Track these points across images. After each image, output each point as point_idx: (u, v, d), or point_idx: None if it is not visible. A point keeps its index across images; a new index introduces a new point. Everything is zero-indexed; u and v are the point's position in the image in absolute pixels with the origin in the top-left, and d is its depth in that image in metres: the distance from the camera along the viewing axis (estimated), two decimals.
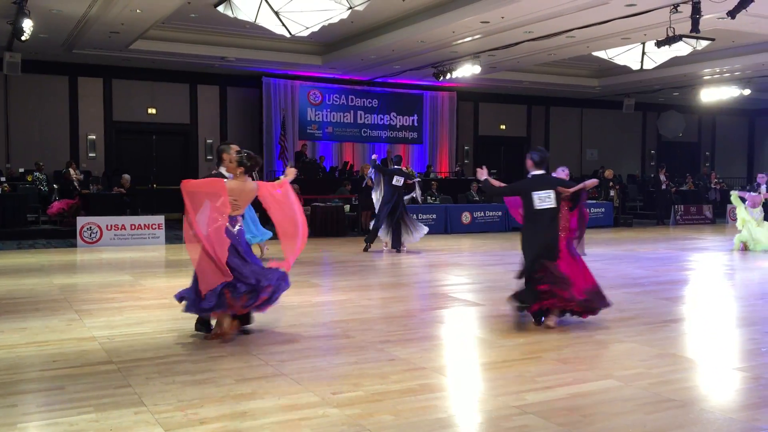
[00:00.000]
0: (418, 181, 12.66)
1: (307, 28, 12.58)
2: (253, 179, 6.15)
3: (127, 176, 16.12)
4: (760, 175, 13.42)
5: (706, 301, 8.07)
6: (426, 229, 12.72)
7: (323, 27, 12.84)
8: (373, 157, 13.59)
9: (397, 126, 22.17)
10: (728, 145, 29.21)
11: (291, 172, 6.38)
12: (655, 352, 5.49)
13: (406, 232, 12.50)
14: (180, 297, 5.92)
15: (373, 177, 12.86)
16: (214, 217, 5.74)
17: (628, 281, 9.25)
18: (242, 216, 6.06)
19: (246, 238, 8.22)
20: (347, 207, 16.85)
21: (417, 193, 12.51)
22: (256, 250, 9.67)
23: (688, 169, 26.71)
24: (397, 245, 12.49)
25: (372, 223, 12.76)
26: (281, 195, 6.07)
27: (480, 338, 6.07)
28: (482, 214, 17.41)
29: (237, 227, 5.90)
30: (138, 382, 4.65)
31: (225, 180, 5.99)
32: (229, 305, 5.73)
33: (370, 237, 12.70)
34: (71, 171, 16.33)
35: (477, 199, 18.32)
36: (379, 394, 4.41)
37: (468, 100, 23.60)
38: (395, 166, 12.70)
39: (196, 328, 6.03)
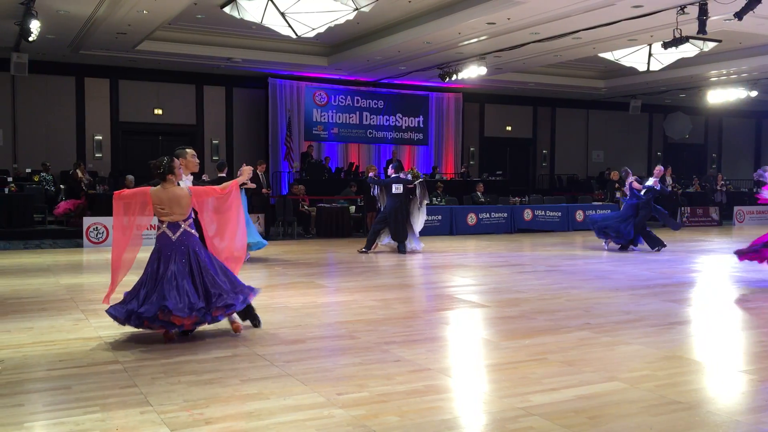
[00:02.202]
0: (420, 182, 12.62)
1: (313, 29, 12.60)
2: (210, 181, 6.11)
3: (130, 177, 16.12)
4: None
5: (713, 303, 8.04)
6: (420, 246, 12.72)
7: (329, 28, 12.86)
8: (370, 174, 13.46)
9: (403, 127, 22.17)
10: (735, 147, 29.12)
11: (246, 171, 6.32)
12: (662, 354, 5.47)
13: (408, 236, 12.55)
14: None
15: (375, 193, 12.90)
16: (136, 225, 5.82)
17: (635, 283, 9.22)
18: (188, 221, 5.87)
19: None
20: (352, 208, 16.86)
21: (418, 193, 12.50)
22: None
23: (695, 170, 26.66)
24: (402, 248, 12.51)
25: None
26: (218, 202, 5.93)
27: (485, 340, 6.07)
28: (488, 215, 17.39)
29: (177, 234, 5.80)
30: (144, 382, 4.66)
31: (150, 188, 5.87)
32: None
33: (369, 242, 12.70)
34: (79, 171, 16.38)
35: (482, 200, 18.30)
36: (384, 395, 4.41)
37: (474, 101, 23.59)
38: (394, 175, 12.65)
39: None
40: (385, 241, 12.85)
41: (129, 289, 5.91)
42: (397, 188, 12.37)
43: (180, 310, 5.53)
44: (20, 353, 5.40)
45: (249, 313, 6.25)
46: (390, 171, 12.84)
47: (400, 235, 12.51)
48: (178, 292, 5.61)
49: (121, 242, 5.91)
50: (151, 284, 5.73)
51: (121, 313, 5.71)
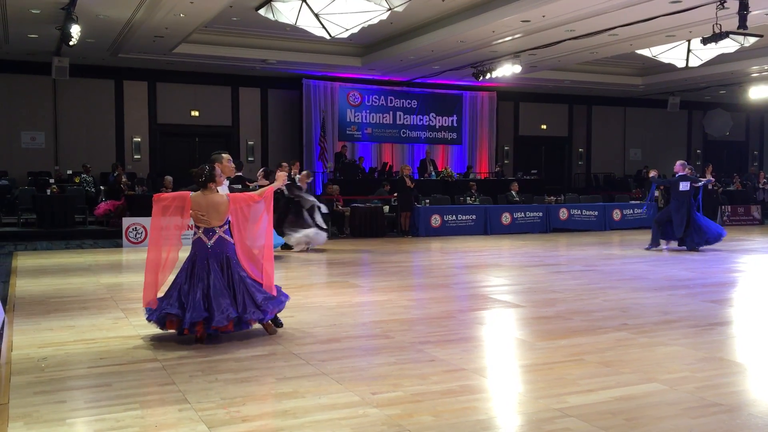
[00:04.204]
0: (288, 184, 12.42)
1: (347, 29, 12.64)
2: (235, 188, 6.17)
3: (169, 178, 16.38)
4: None
5: (755, 304, 7.87)
6: (315, 240, 12.62)
7: (363, 28, 12.88)
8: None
9: (437, 126, 22.12)
10: None
11: (281, 177, 6.33)
12: (701, 356, 5.37)
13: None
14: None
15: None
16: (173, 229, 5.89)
17: (674, 283, 9.07)
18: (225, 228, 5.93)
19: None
20: (386, 207, 16.88)
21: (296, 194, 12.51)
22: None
23: (736, 168, 26.08)
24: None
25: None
26: (254, 208, 5.97)
27: (520, 340, 6.02)
28: (522, 215, 17.25)
29: (212, 240, 5.87)
30: (182, 379, 4.73)
31: (190, 193, 5.94)
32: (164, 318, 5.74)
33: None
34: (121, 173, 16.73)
35: (517, 199, 18.17)
36: (419, 394, 4.41)
37: (508, 99, 23.42)
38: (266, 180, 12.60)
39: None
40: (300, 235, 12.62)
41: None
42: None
43: (218, 321, 5.62)
44: (62, 351, 5.53)
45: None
46: (259, 176, 12.56)
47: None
48: (217, 302, 5.67)
49: (158, 243, 6.01)
50: (185, 288, 5.78)
51: (153, 315, 5.82)
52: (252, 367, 5.03)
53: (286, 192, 12.32)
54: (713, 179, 14.70)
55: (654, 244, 13.00)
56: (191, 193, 5.92)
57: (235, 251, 5.94)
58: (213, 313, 5.63)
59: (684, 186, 12.82)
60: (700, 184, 13.11)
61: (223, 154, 6.37)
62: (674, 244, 13.06)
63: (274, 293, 6.05)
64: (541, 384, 4.67)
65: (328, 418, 4.00)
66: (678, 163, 13.40)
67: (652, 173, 14.41)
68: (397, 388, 4.54)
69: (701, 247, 12.80)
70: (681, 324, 6.52)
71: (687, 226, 12.71)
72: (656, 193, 18.90)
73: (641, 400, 4.32)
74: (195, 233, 5.97)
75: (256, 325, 6.09)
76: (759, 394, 4.57)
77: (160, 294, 5.95)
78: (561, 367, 5.03)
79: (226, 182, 6.41)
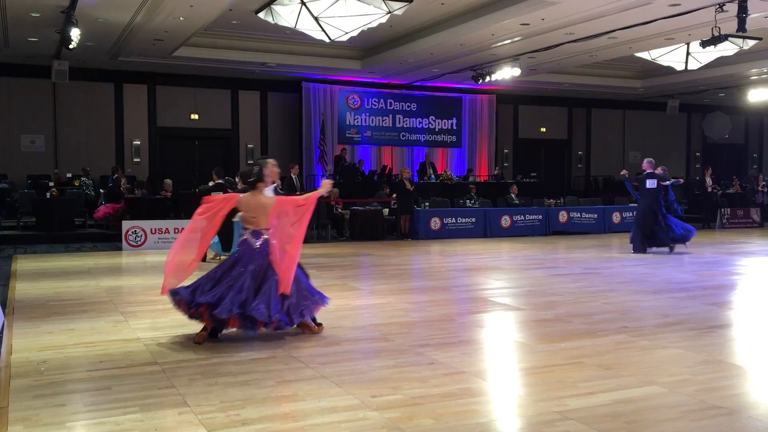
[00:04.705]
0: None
1: (347, 33, 12.66)
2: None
3: (169, 181, 16.40)
4: None
5: (755, 307, 7.87)
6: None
7: (362, 32, 12.91)
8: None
9: (436, 129, 22.13)
10: None
11: (327, 184, 6.40)
12: (701, 359, 5.37)
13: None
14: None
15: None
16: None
17: (673, 286, 9.07)
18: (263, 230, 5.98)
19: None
20: (386, 210, 16.88)
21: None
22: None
23: (735, 171, 26.09)
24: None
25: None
26: (293, 214, 6.01)
27: (520, 343, 6.02)
28: (522, 217, 17.27)
29: (259, 242, 5.91)
30: (182, 383, 4.72)
31: (239, 195, 6.06)
32: (183, 304, 5.81)
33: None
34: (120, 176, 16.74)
35: (516, 202, 18.18)
36: (418, 397, 4.41)
37: (507, 102, 23.44)
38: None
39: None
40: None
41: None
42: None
43: (265, 317, 5.66)
44: (62, 354, 5.52)
45: None
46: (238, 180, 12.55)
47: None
48: (263, 300, 5.72)
49: (185, 244, 6.06)
50: (225, 283, 5.77)
51: (186, 295, 5.80)
52: (252, 370, 5.03)
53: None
54: (681, 180, 14.88)
55: (638, 249, 12.98)
56: (240, 195, 6.04)
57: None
58: (223, 301, 5.63)
59: (651, 183, 12.88)
60: (667, 183, 13.16)
61: (269, 159, 6.43)
62: (664, 249, 13.01)
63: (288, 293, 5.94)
64: (540, 387, 4.66)
65: (328, 421, 4.00)
66: (645, 160, 13.51)
67: (623, 171, 14.48)
68: (396, 391, 4.54)
69: (670, 245, 12.83)
70: (681, 327, 6.52)
71: (654, 223, 12.77)
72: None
73: (641, 403, 4.32)
74: (242, 234, 6.05)
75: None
76: (759, 397, 4.57)
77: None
78: (561, 370, 5.03)
79: (271, 187, 6.47)
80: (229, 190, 11.44)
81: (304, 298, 6.02)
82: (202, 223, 6.03)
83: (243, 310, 5.67)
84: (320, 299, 6.16)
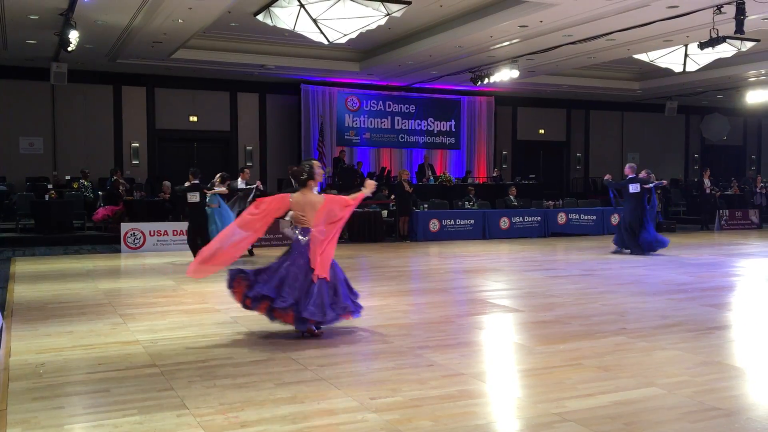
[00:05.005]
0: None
1: (345, 35, 12.67)
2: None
3: (167, 183, 16.38)
4: None
5: (753, 308, 7.87)
6: None
7: (361, 34, 12.92)
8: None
9: (435, 131, 22.15)
10: None
11: (370, 185, 6.56)
12: (700, 360, 5.38)
13: None
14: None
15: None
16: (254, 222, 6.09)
17: (672, 287, 9.07)
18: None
19: None
20: (385, 212, 16.88)
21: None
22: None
23: (733, 172, 26.12)
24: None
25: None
26: (338, 211, 6.16)
27: (519, 344, 6.02)
28: (521, 219, 17.27)
29: (308, 238, 6.05)
30: (180, 385, 4.72)
31: (290, 195, 6.22)
32: (237, 292, 6.03)
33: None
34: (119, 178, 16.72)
35: (515, 204, 18.19)
36: (417, 399, 4.41)
37: (506, 104, 23.46)
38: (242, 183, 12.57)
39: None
40: None
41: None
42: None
43: (312, 314, 5.83)
44: (60, 356, 5.52)
45: None
46: (216, 181, 12.41)
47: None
48: (310, 297, 5.87)
49: (235, 236, 6.14)
50: (282, 279, 5.93)
51: (251, 277, 5.97)
52: (251, 373, 5.03)
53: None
54: (665, 182, 15.10)
55: (618, 248, 13.16)
56: (291, 195, 6.18)
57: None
58: (279, 297, 5.82)
59: (633, 188, 13.04)
60: (649, 185, 13.27)
61: (313, 161, 6.54)
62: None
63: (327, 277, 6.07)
64: (539, 388, 4.67)
65: (327, 423, 4.00)
66: (627, 166, 13.70)
67: (607, 176, 14.60)
68: (395, 393, 4.54)
69: (648, 252, 12.95)
70: (679, 328, 6.52)
71: (639, 228, 12.91)
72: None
73: (640, 404, 4.32)
74: (295, 233, 6.18)
75: (257, 328, 6.08)
76: (757, 398, 4.57)
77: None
78: (560, 372, 5.04)
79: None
80: (206, 191, 11.62)
81: (341, 301, 6.14)
82: (255, 223, 6.13)
83: (297, 308, 5.86)
84: (354, 309, 6.24)
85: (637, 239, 12.93)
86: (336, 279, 6.13)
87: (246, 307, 6.10)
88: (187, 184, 11.62)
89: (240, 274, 6.05)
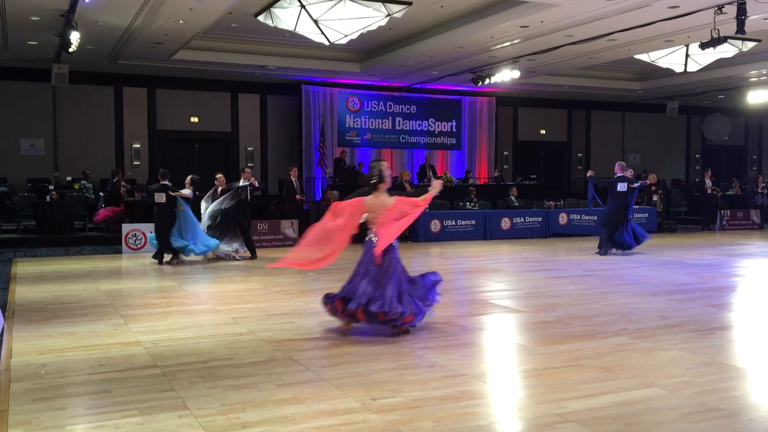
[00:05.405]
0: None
1: (346, 35, 12.67)
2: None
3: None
4: None
5: (755, 309, 7.87)
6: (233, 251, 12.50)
7: (362, 34, 12.92)
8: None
9: (436, 132, 22.14)
10: None
11: (438, 185, 6.65)
12: (702, 360, 5.37)
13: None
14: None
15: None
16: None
17: (673, 288, 9.07)
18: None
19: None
20: None
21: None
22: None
23: (735, 173, 26.11)
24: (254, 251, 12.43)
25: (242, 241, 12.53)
26: (403, 212, 6.30)
27: (520, 345, 6.02)
28: (522, 219, 17.26)
29: (377, 239, 6.23)
30: (181, 386, 4.72)
31: (364, 197, 6.40)
32: (336, 309, 6.30)
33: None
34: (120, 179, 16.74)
35: (516, 204, 18.18)
36: (418, 400, 4.41)
37: (507, 105, 23.45)
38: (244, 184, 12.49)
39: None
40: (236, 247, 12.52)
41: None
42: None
43: (381, 307, 6.02)
44: (62, 357, 5.52)
45: None
46: (187, 182, 12.47)
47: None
48: (383, 294, 6.09)
49: (320, 239, 6.34)
50: (363, 283, 6.20)
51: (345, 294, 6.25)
52: (252, 374, 5.03)
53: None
54: (648, 181, 15.25)
55: (603, 250, 13.10)
56: (365, 197, 6.33)
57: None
58: (374, 299, 6.06)
59: (621, 187, 13.14)
60: (636, 185, 13.46)
61: (382, 162, 6.65)
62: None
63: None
64: (541, 389, 4.66)
65: (328, 424, 4.00)
66: (617, 164, 13.74)
67: (589, 173, 14.70)
68: (396, 393, 4.54)
69: (633, 248, 13.10)
70: (681, 329, 6.52)
71: (622, 226, 13.06)
72: (654, 198, 18.91)
73: (641, 405, 4.32)
74: (367, 234, 6.33)
75: (254, 329, 6.08)
76: (759, 399, 4.57)
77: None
78: (561, 372, 5.03)
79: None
80: (170, 192, 11.75)
81: (419, 298, 6.32)
82: (340, 228, 6.28)
83: (366, 306, 6.06)
84: (427, 305, 6.40)
85: (617, 236, 13.06)
86: (391, 274, 6.23)
87: (355, 320, 6.30)
88: (155, 185, 11.84)
89: (336, 297, 6.29)
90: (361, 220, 6.34)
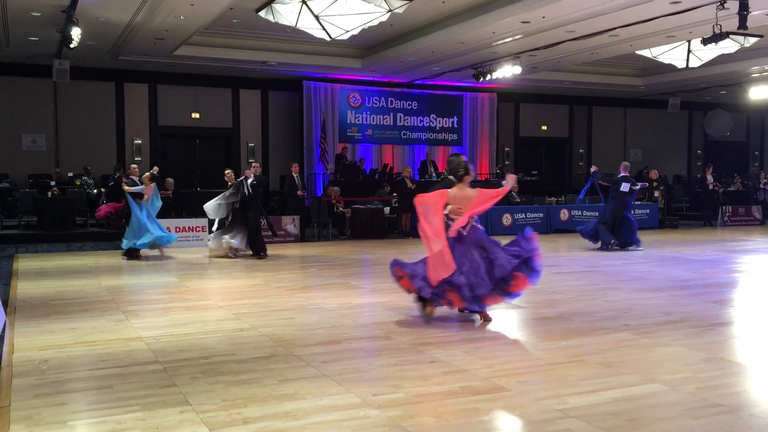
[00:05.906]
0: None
1: (347, 31, 12.65)
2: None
3: (170, 180, 16.41)
4: None
5: (756, 304, 7.86)
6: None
7: (363, 30, 12.90)
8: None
9: (437, 128, 22.12)
10: None
11: (512, 179, 6.84)
12: (703, 356, 5.37)
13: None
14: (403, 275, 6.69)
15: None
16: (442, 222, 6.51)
17: (675, 284, 9.06)
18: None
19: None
20: (387, 209, 16.87)
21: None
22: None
23: (736, 169, 26.06)
24: (261, 250, 12.23)
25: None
26: (486, 203, 6.59)
27: (522, 341, 6.02)
28: (523, 215, 17.25)
29: (467, 229, 6.53)
30: (183, 381, 4.73)
31: (447, 190, 6.61)
32: (449, 300, 6.48)
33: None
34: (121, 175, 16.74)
35: (518, 200, 18.17)
36: (420, 396, 4.41)
37: (508, 100, 23.42)
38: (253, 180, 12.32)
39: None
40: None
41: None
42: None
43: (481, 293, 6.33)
44: (63, 353, 5.53)
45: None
46: (145, 178, 12.33)
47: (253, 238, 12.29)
48: (473, 281, 6.35)
49: (439, 233, 6.47)
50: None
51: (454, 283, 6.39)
52: (253, 369, 5.03)
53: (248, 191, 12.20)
54: (647, 184, 15.42)
55: (604, 245, 13.19)
56: (448, 190, 6.54)
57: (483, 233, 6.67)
58: (478, 285, 6.32)
59: (625, 187, 13.28)
60: (637, 187, 13.63)
61: (461, 156, 6.88)
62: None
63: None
64: (542, 385, 4.67)
65: (330, 419, 4.00)
66: (622, 164, 13.80)
67: (593, 168, 14.71)
68: (398, 389, 4.54)
69: (629, 247, 13.17)
70: (682, 324, 6.52)
71: (621, 224, 13.20)
72: (656, 194, 18.88)
73: (642, 400, 4.32)
74: (451, 225, 6.50)
75: (254, 327, 6.08)
76: (760, 395, 4.57)
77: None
78: (562, 368, 5.03)
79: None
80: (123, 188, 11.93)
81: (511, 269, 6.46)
82: (436, 223, 6.45)
83: (466, 292, 6.30)
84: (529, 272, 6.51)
85: (615, 234, 13.17)
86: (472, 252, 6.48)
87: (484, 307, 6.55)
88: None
89: (443, 287, 6.41)
90: (445, 212, 6.57)
